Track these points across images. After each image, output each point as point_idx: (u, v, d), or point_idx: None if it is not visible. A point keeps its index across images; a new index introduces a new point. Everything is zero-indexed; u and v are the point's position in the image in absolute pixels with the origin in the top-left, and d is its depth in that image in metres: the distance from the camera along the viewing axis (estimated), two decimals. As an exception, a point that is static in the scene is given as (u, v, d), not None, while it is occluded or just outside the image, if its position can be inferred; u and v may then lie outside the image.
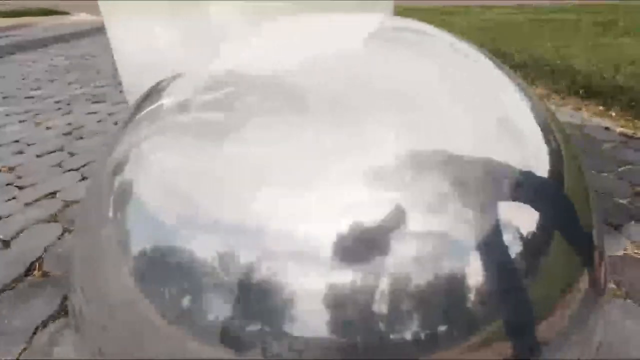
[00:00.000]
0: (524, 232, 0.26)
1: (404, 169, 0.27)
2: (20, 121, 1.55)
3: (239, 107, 0.30)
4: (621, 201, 0.83)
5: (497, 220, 0.26)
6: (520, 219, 0.27)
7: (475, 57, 0.37)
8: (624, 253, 0.68)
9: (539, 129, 0.32)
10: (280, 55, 0.36)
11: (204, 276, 0.25)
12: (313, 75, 0.33)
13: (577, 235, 0.31)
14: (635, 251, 0.68)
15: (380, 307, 0.23)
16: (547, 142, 0.32)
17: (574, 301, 0.29)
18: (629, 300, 0.58)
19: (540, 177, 0.29)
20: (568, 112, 1.41)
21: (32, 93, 1.95)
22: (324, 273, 0.24)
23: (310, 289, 0.24)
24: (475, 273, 0.24)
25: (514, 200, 0.27)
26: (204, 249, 0.25)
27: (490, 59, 0.38)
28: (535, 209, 0.27)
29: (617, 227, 0.75)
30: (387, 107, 0.30)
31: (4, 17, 5.73)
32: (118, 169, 0.31)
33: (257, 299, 0.24)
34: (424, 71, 0.34)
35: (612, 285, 0.61)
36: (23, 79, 2.26)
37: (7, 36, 3.94)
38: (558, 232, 0.29)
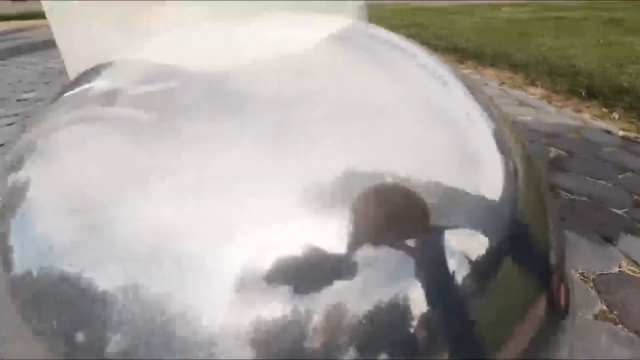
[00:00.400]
0: (471, 258, 0.24)
1: (342, 191, 0.23)
2: (8, 124, 1.54)
3: (170, 105, 0.27)
4: (618, 212, 0.78)
5: (442, 246, 0.23)
6: (467, 244, 0.25)
7: (433, 68, 0.34)
8: (619, 270, 0.63)
9: (494, 145, 0.29)
10: (227, 54, 0.33)
11: (104, 310, 0.21)
12: (257, 78, 0.29)
13: (531, 258, 0.29)
14: (631, 268, 0.63)
15: (314, 343, 0.21)
16: (502, 159, 0.28)
17: (529, 326, 0.27)
18: (620, 326, 0.53)
19: (489, 200, 0.26)
20: (568, 114, 1.35)
21: (25, 96, 1.95)
22: (249, 306, 0.20)
23: (233, 324, 0.20)
24: (418, 304, 0.22)
25: (460, 224, 0.25)
26: (106, 276, 0.21)
27: (450, 70, 0.34)
28: (484, 234, 0.25)
29: (612, 241, 0.69)
30: (331, 120, 0.26)
31: (12, 19, 5.82)
32: (16, 163, 0.27)
33: (170, 336, 0.20)
34: (375, 82, 0.30)
35: (603, 307, 0.56)
36: (19, 82, 2.26)
37: (14, 39, 3.98)
38: (508, 257, 0.27)
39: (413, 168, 0.25)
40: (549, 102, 1.49)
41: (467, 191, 0.26)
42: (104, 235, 0.22)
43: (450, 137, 0.28)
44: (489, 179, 0.27)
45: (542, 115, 1.36)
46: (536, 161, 0.34)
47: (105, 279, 0.21)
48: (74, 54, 0.51)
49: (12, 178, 0.27)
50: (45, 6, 0.50)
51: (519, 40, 2.42)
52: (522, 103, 1.50)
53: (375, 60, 0.33)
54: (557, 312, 0.30)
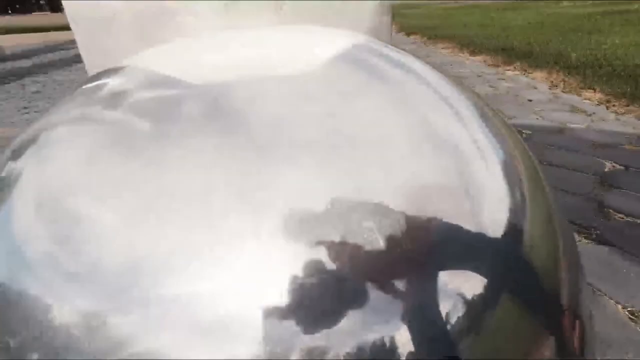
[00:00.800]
0: (467, 298, 0.22)
1: (328, 222, 0.22)
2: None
3: (166, 116, 0.26)
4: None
5: (435, 286, 0.21)
6: (463, 284, 0.22)
7: (443, 91, 0.32)
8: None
9: (500, 176, 0.26)
10: (232, 69, 0.33)
11: (62, 344, 0.20)
12: (255, 96, 0.29)
13: (535, 298, 0.26)
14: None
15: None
16: (507, 191, 0.26)
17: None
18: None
19: (489, 237, 0.24)
20: (629, 122, 1.21)
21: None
22: (221, 346, 0.19)
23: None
24: (406, 348, 0.20)
25: (455, 262, 0.23)
26: (69, 306, 0.21)
27: (462, 93, 0.32)
28: (481, 273, 0.23)
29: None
30: (324, 145, 0.25)
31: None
32: (15, 153, 0.28)
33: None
34: (376, 107, 0.29)
35: (654, 353, 0.49)
36: (68, 87, 2.47)
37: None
38: (508, 297, 0.24)
39: (407, 200, 0.23)
40: (607, 108, 1.34)
41: (465, 226, 0.24)
42: (70, 253, 0.21)
43: (451, 168, 0.26)
44: (490, 213, 0.25)
45: (598, 123, 1.23)
46: (550, 190, 0.31)
47: (66, 311, 0.20)
48: (95, 60, 0.53)
49: (7, 168, 0.27)
50: (68, 13, 0.52)
51: (576, 38, 2.21)
52: (574, 109, 1.37)
53: (381, 83, 0.32)
54: (569, 356, 0.27)
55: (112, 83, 0.32)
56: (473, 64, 2.31)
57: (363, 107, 0.28)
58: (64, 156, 0.26)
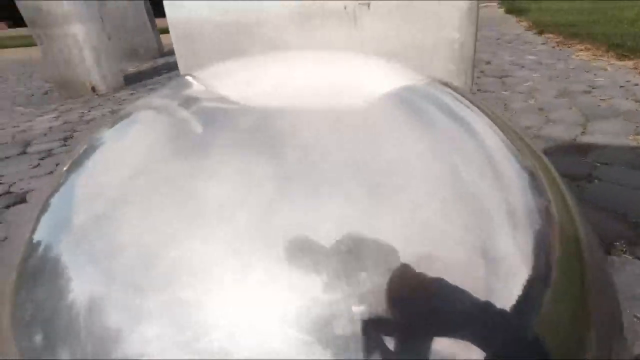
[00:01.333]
0: None
1: (330, 260, 0.21)
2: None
3: (214, 128, 0.27)
4: None
5: (427, 351, 0.20)
6: (458, 354, 0.20)
7: (486, 138, 0.29)
8: None
9: (528, 244, 0.24)
10: (289, 90, 0.33)
11: (61, 316, 0.20)
12: (299, 123, 0.28)
13: None
14: None
15: None
16: (532, 260, 0.23)
17: None
18: None
19: (498, 308, 0.22)
20: None
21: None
22: None
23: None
24: None
25: (455, 331, 0.21)
26: (79, 280, 0.21)
27: (511, 144, 0.29)
28: (481, 346, 0.21)
29: None
30: (350, 182, 0.24)
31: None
32: (106, 125, 0.32)
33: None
34: (415, 153, 0.27)
35: None
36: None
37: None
38: None
39: (417, 255, 0.21)
40: None
41: (473, 294, 0.21)
42: (95, 233, 0.22)
43: (474, 228, 0.23)
44: (506, 284, 0.22)
45: None
46: (593, 258, 0.26)
47: (77, 283, 0.21)
48: (186, 64, 0.63)
49: (91, 137, 0.30)
50: (169, 19, 0.62)
51: None
52: None
53: (426, 130, 0.29)
54: None
55: (182, 90, 0.37)
56: (617, 70, 1.91)
57: (399, 151, 0.26)
58: (122, 140, 0.29)
